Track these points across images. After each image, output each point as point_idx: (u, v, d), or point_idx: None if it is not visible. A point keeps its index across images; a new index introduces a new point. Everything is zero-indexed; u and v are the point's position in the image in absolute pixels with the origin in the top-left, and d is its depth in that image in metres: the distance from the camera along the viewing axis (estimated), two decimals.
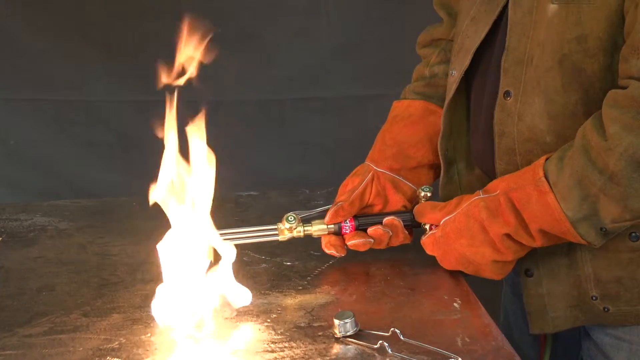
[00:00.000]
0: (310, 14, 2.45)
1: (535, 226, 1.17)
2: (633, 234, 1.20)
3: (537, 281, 1.27)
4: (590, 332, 1.33)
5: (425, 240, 1.31)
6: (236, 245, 1.28)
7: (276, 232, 1.36)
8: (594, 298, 1.24)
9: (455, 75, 1.34)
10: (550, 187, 1.15)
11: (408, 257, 1.39)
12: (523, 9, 1.19)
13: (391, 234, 1.33)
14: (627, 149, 1.08)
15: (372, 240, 1.33)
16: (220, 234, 1.31)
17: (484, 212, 1.21)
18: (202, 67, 2.53)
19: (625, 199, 1.10)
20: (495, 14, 1.26)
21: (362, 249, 1.34)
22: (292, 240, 1.37)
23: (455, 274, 1.33)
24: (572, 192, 1.13)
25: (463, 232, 1.24)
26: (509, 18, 1.21)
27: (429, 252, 1.31)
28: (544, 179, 1.16)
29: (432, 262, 1.35)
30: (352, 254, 1.36)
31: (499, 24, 1.26)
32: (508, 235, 1.20)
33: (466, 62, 1.31)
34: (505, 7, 1.23)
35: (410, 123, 1.45)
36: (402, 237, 1.35)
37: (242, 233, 1.35)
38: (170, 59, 2.38)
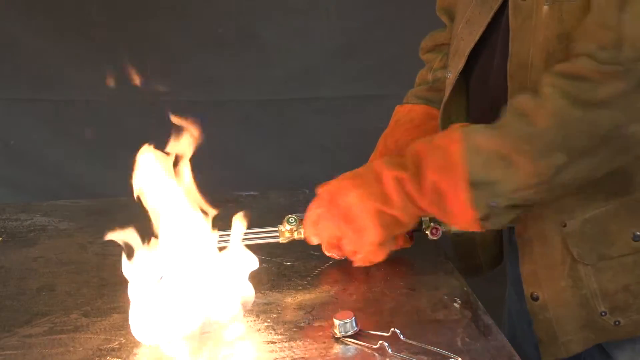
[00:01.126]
0: (310, 14, 2.45)
1: (431, 174, 1.16)
2: (636, 234, 1.20)
3: (543, 305, 1.25)
4: None
5: (314, 201, 1.29)
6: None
7: (277, 234, 1.36)
8: (603, 314, 1.23)
9: (451, 77, 1.35)
10: (463, 137, 1.14)
11: (408, 257, 1.39)
12: (523, 14, 1.19)
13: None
14: (553, 112, 1.09)
15: None
16: (221, 235, 1.31)
17: (385, 163, 1.21)
18: (203, 67, 2.53)
19: (539, 158, 1.10)
20: (489, 16, 1.25)
21: None
22: (293, 241, 1.37)
23: (455, 274, 1.33)
24: (484, 146, 1.13)
25: (356, 179, 1.23)
26: (510, 24, 1.20)
27: (311, 219, 1.29)
28: (459, 128, 1.16)
29: (432, 262, 1.36)
30: None
31: (495, 26, 1.25)
32: (399, 181, 1.18)
33: (460, 65, 1.32)
34: (500, 9, 1.23)
35: (412, 127, 1.45)
36: (402, 241, 1.35)
37: (243, 235, 1.35)
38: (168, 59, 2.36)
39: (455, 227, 1.22)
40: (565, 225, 1.21)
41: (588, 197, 1.20)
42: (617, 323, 1.24)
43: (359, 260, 1.30)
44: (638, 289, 1.22)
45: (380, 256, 1.29)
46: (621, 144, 1.10)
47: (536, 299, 1.26)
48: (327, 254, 1.36)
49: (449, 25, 1.50)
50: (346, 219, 1.24)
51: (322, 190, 1.28)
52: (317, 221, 1.28)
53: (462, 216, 1.16)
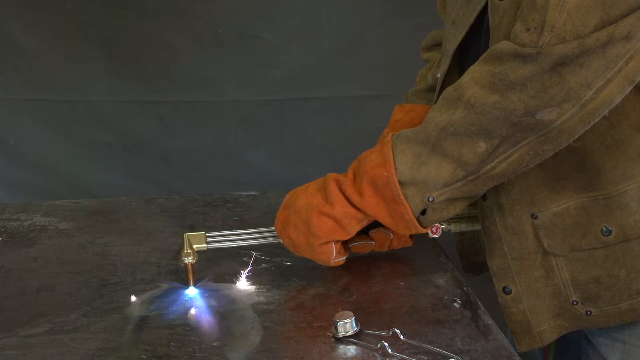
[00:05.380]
0: (310, 14, 2.45)
1: (366, 175, 1.19)
2: (604, 229, 1.20)
3: (517, 298, 1.25)
4: (587, 332, 1.32)
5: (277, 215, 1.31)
6: (237, 247, 1.29)
7: (277, 235, 1.35)
8: (574, 303, 1.23)
9: (439, 78, 1.35)
10: (393, 139, 1.18)
11: (408, 257, 1.39)
12: (499, 13, 1.19)
13: (392, 236, 1.33)
14: (470, 98, 1.10)
15: (373, 242, 1.33)
16: (222, 235, 1.31)
17: (331, 173, 1.24)
18: (203, 67, 2.54)
19: (460, 148, 1.12)
20: (472, 17, 1.25)
21: (363, 252, 1.34)
22: None
23: (455, 274, 1.33)
24: (411, 144, 1.16)
25: (309, 186, 1.26)
26: (490, 24, 1.21)
27: (275, 223, 1.30)
28: (390, 134, 1.19)
29: (432, 262, 1.36)
30: (352, 254, 1.36)
31: (480, 27, 1.25)
32: (339, 183, 1.22)
33: (446, 65, 1.33)
34: (484, 10, 1.23)
35: (412, 126, 1.45)
36: (403, 240, 1.35)
37: (243, 235, 1.35)
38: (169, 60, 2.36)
39: (398, 231, 1.23)
40: (536, 218, 1.22)
41: (558, 190, 1.21)
42: (588, 313, 1.24)
43: (315, 259, 1.29)
44: (609, 281, 1.21)
45: (325, 256, 1.26)
46: (539, 132, 1.10)
47: (509, 292, 1.26)
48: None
49: None
50: (295, 222, 1.25)
51: (286, 197, 1.30)
52: (278, 225, 1.30)
53: (398, 214, 1.18)
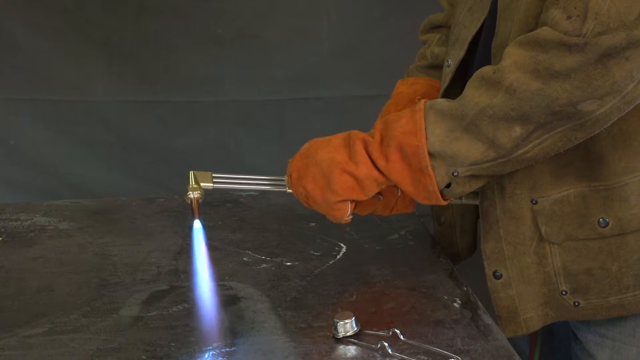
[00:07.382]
0: (310, 14, 2.45)
1: (395, 140, 1.16)
2: (601, 220, 1.20)
3: (507, 283, 1.25)
4: (576, 330, 1.32)
5: (292, 159, 1.28)
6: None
7: (284, 183, 1.31)
8: (563, 293, 1.23)
9: (451, 65, 1.34)
10: (425, 107, 1.16)
11: (408, 257, 1.39)
12: None
13: (400, 193, 1.30)
14: (512, 83, 1.09)
15: (381, 197, 1.29)
16: (228, 177, 1.30)
17: (356, 131, 1.21)
18: (203, 67, 2.53)
19: (496, 130, 1.11)
20: (490, 2, 1.25)
21: (366, 211, 1.30)
22: (292, 240, 1.37)
23: (454, 275, 1.33)
24: (445, 117, 1.14)
25: (332, 139, 1.23)
26: (498, 3, 1.21)
27: (290, 171, 1.26)
28: (422, 100, 1.18)
29: (432, 262, 1.35)
30: (352, 254, 1.36)
31: (495, 14, 1.25)
32: (365, 143, 1.19)
33: (462, 53, 1.31)
34: None
35: (418, 98, 1.44)
36: (407, 202, 1.32)
37: (250, 180, 1.33)
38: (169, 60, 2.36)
39: (418, 200, 1.21)
40: (536, 203, 1.21)
41: (560, 177, 1.20)
42: (576, 304, 1.24)
43: (327, 215, 1.26)
44: (600, 274, 1.21)
45: (339, 213, 1.23)
46: (576, 121, 1.10)
47: (499, 276, 1.25)
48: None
49: (447, 9, 1.51)
50: (314, 174, 1.22)
51: (304, 146, 1.27)
52: (293, 174, 1.26)
53: (422, 184, 1.17)
